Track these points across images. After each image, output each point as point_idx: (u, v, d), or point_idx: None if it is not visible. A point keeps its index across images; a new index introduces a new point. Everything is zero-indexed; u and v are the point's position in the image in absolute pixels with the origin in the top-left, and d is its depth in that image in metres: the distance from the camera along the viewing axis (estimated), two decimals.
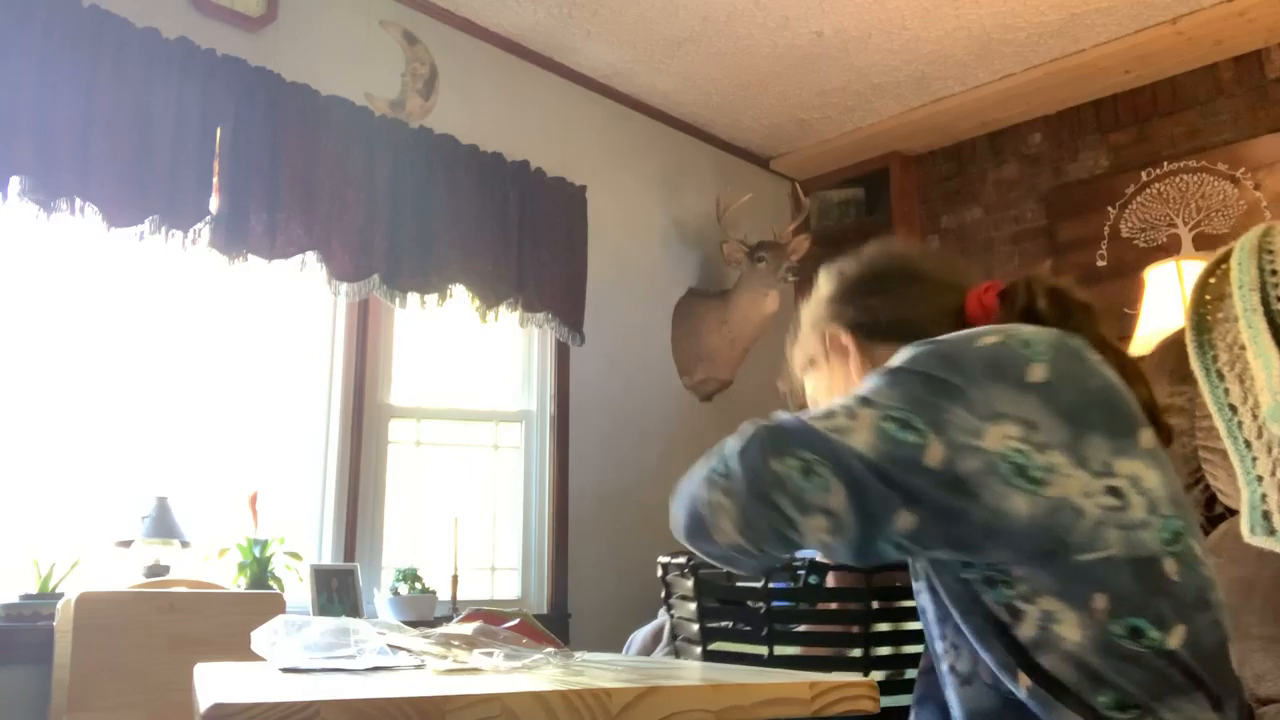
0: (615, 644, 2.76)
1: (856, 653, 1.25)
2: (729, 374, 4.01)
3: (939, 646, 0.90)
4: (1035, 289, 0.99)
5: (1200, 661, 0.79)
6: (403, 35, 3.27)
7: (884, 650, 1.27)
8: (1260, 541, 1.33)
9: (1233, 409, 1.37)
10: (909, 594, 1.22)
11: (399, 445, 3.19)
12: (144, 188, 2.51)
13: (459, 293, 3.17)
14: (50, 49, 2.40)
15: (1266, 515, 1.33)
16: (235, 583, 2.64)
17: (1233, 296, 1.29)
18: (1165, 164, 3.55)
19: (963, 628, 0.84)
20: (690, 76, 3.76)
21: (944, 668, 0.89)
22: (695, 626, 1.37)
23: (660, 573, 1.50)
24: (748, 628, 1.34)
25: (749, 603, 1.33)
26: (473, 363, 3.46)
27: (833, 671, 1.26)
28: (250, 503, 2.71)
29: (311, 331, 3.10)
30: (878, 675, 1.25)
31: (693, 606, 1.37)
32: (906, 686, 1.20)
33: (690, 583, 1.37)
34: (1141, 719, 0.77)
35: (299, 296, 3.02)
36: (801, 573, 1.32)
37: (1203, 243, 3.42)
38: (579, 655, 1.04)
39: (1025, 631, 0.79)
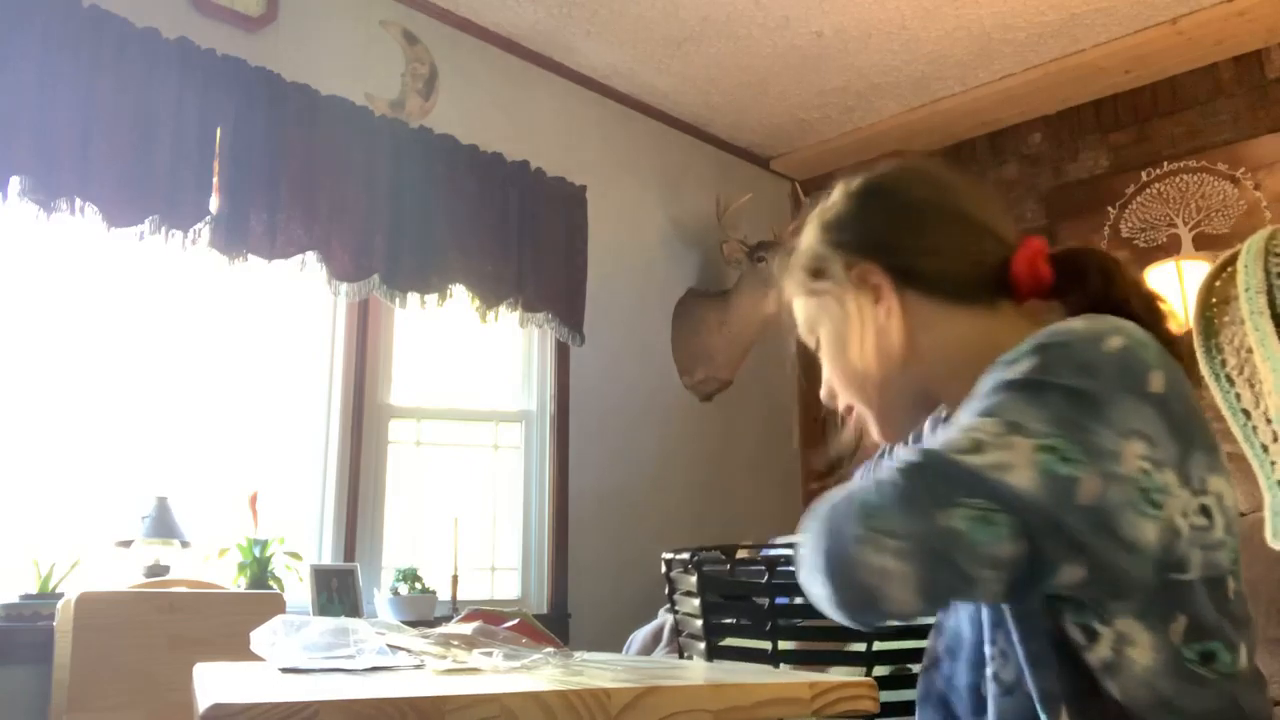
0: (615, 644, 2.76)
1: (859, 647, 1.25)
2: (729, 374, 4.01)
3: (988, 650, 0.84)
4: (1118, 277, 0.89)
5: (1249, 683, 0.78)
6: (403, 35, 3.27)
7: (886, 645, 1.27)
8: None
9: (1246, 414, 1.37)
10: None
11: (399, 445, 3.19)
12: (144, 188, 2.51)
13: (459, 293, 3.17)
14: (50, 49, 2.40)
15: None
16: (235, 583, 2.64)
17: (1239, 299, 1.29)
18: (1165, 164, 3.55)
19: (1019, 646, 0.79)
20: (690, 76, 3.76)
21: (988, 672, 0.84)
22: (699, 622, 1.37)
23: (664, 569, 1.50)
24: (751, 623, 1.34)
25: (753, 598, 1.33)
26: (473, 363, 3.46)
27: (835, 667, 1.26)
28: (250, 503, 2.71)
29: (311, 331, 3.10)
30: (881, 670, 1.25)
31: (696, 603, 1.37)
32: (910, 681, 1.19)
33: (694, 579, 1.37)
34: None
35: (299, 296, 3.02)
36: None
37: (1203, 243, 3.42)
38: (579, 655, 1.04)
39: (1098, 653, 0.75)
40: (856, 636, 1.27)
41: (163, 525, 2.53)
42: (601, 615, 3.34)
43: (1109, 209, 3.66)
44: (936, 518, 0.70)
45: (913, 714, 1.10)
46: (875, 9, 3.32)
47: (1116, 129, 3.72)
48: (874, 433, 0.98)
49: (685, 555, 1.41)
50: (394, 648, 0.91)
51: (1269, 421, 1.35)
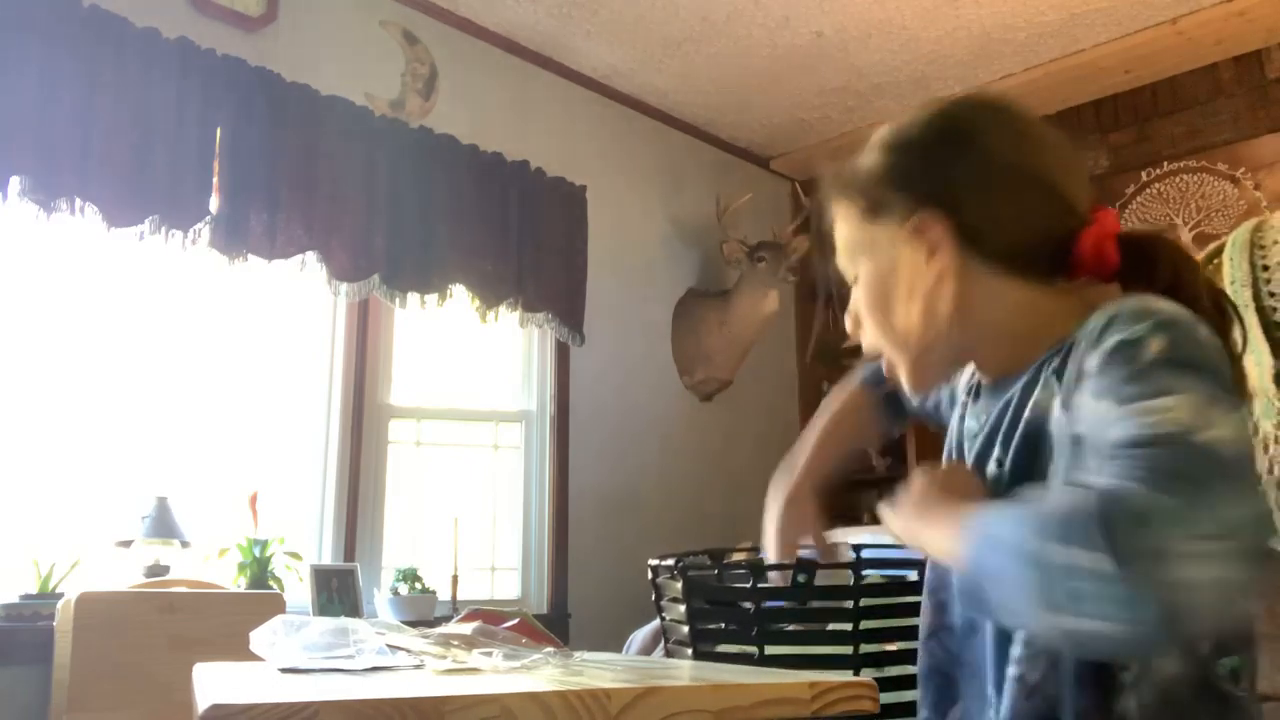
0: (615, 644, 2.76)
1: (846, 650, 1.25)
2: (729, 374, 4.01)
3: (1017, 651, 0.80)
4: (1188, 274, 0.84)
5: (1257, 708, 0.77)
6: (403, 35, 3.27)
7: (873, 648, 1.27)
8: None
9: None
10: (895, 591, 1.21)
11: (399, 445, 3.19)
12: (144, 188, 2.51)
13: (459, 293, 3.17)
14: (50, 49, 2.40)
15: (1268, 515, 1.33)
16: (235, 583, 2.64)
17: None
18: (1165, 164, 3.55)
19: (1062, 660, 0.76)
20: (690, 76, 3.76)
21: (1012, 672, 0.80)
22: (685, 628, 1.37)
23: (650, 575, 1.50)
24: (737, 628, 1.33)
25: (739, 603, 1.33)
26: (473, 363, 3.46)
27: (822, 671, 1.26)
28: (250, 503, 2.71)
29: (311, 331, 3.10)
30: (869, 673, 1.26)
31: (683, 609, 1.37)
32: (895, 684, 1.20)
33: (680, 584, 1.37)
34: None
35: (299, 296, 3.02)
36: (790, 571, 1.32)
37: (1203, 242, 3.42)
38: (578, 655, 1.04)
39: (1131, 668, 0.74)
40: (842, 641, 1.27)
41: (163, 525, 2.53)
42: (601, 615, 3.34)
43: (1109, 209, 3.66)
44: (1246, 502, 0.63)
45: (902, 716, 1.10)
46: (875, 9, 3.32)
47: (1116, 129, 3.72)
48: (902, 380, 0.94)
49: (670, 561, 1.41)
50: (394, 648, 0.91)
51: (1253, 416, 1.35)
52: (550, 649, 1.03)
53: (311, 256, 2.83)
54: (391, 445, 3.17)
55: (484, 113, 3.42)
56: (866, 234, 0.91)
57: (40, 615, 2.29)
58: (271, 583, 2.65)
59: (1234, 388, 0.72)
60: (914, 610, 1.13)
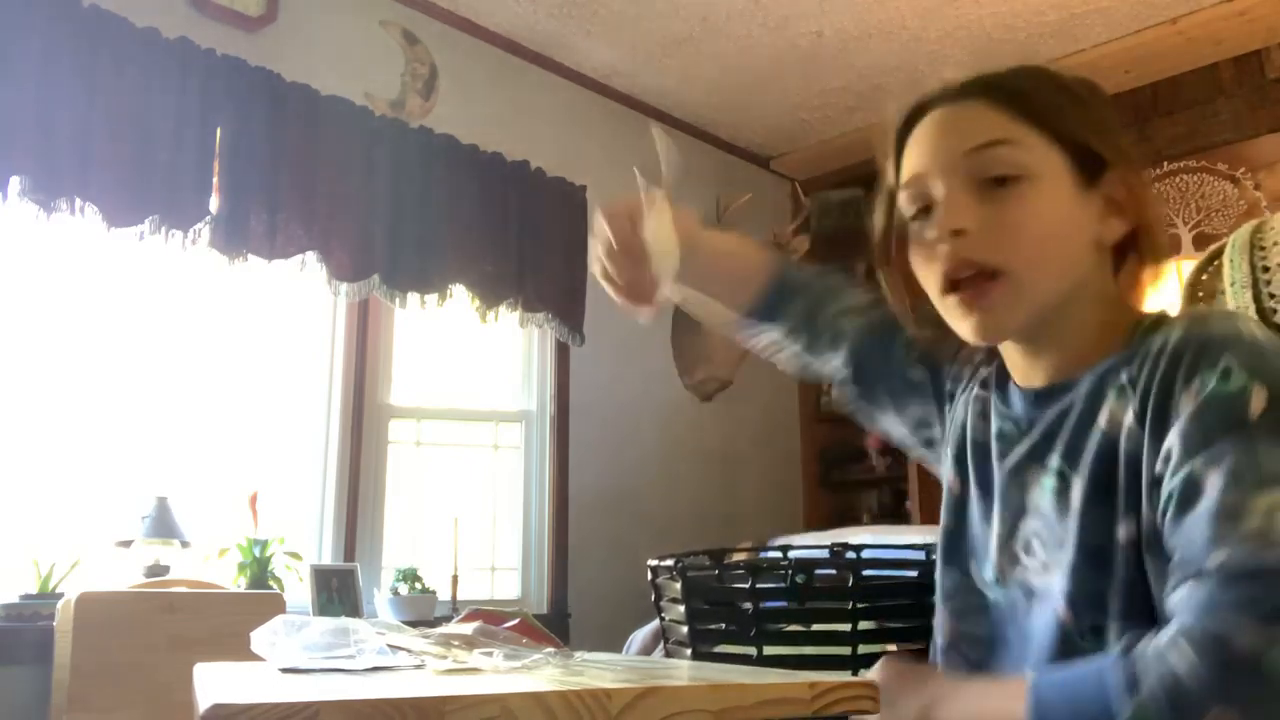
0: (615, 644, 2.76)
1: (844, 651, 1.25)
2: (729, 374, 4.01)
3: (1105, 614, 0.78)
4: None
5: None
6: (403, 35, 3.27)
7: (871, 649, 1.27)
8: None
9: None
10: (893, 592, 1.21)
11: (399, 445, 3.19)
12: (144, 188, 2.51)
13: (459, 293, 3.17)
14: (50, 49, 2.40)
15: None
16: (235, 583, 2.64)
17: (1225, 294, 1.28)
18: (1165, 164, 3.55)
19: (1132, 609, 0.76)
20: (690, 76, 3.76)
21: (1086, 623, 0.79)
22: (685, 629, 1.37)
23: (650, 576, 1.50)
24: (735, 628, 1.33)
25: (738, 603, 1.33)
26: (473, 363, 3.46)
27: (821, 671, 1.26)
28: (250, 503, 2.71)
29: (311, 331, 3.10)
30: (867, 673, 1.25)
31: (682, 609, 1.37)
32: None
33: (679, 584, 1.37)
34: None
35: (299, 296, 3.02)
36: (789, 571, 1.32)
37: (1203, 243, 3.42)
38: (579, 655, 1.04)
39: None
40: (841, 642, 1.27)
41: (163, 525, 2.53)
42: (601, 615, 3.34)
43: None
44: None
45: None
46: (875, 9, 3.32)
47: None
48: (971, 323, 0.86)
49: (670, 561, 1.41)
50: (394, 648, 0.91)
51: None
52: (550, 649, 1.03)
53: (311, 256, 2.83)
54: (391, 445, 3.17)
55: (484, 113, 3.41)
56: (1038, 155, 0.85)
57: (40, 615, 2.29)
58: (271, 583, 2.65)
59: None
60: (913, 611, 1.12)
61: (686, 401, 3.94)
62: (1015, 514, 0.88)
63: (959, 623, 0.93)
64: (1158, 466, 0.76)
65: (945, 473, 1.01)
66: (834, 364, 1.12)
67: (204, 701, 0.51)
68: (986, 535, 0.92)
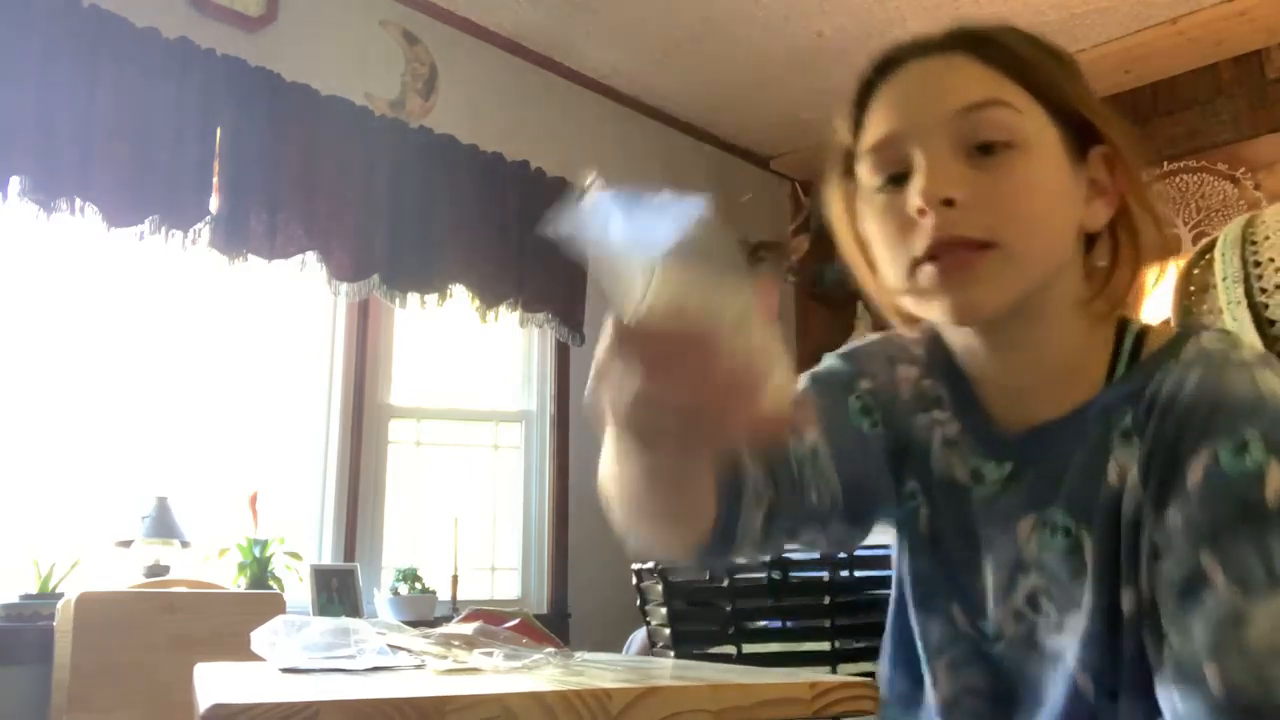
0: (615, 644, 2.76)
1: (824, 648, 1.26)
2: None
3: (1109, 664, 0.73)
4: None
5: None
6: (403, 35, 3.27)
7: (849, 645, 1.28)
8: None
9: None
10: (869, 586, 1.21)
11: (399, 445, 3.19)
12: (144, 188, 2.51)
13: (459, 293, 3.17)
14: (50, 49, 2.40)
15: None
16: (235, 583, 2.64)
17: (1217, 288, 1.28)
18: (1165, 164, 3.55)
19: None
20: (690, 76, 3.76)
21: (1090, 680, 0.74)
22: (668, 630, 1.38)
23: (635, 580, 1.51)
24: (716, 629, 1.34)
25: (717, 603, 1.33)
26: (473, 363, 3.46)
27: (800, 667, 1.26)
28: (250, 503, 2.71)
29: (311, 331, 3.10)
30: (847, 670, 1.26)
31: (664, 611, 1.37)
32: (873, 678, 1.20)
33: (660, 587, 1.38)
34: None
35: (299, 296, 3.02)
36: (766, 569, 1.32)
37: None
38: (579, 655, 1.04)
39: None
40: (818, 638, 1.27)
41: (163, 525, 2.53)
42: (601, 615, 3.34)
43: None
44: None
45: None
46: (875, 9, 3.32)
47: None
48: (951, 299, 0.74)
49: (650, 565, 1.41)
50: (394, 648, 0.91)
51: None
52: (550, 649, 1.03)
53: (311, 256, 2.83)
54: (391, 445, 3.16)
55: (484, 113, 3.41)
56: (1033, 121, 0.75)
57: (40, 615, 2.29)
58: (271, 583, 2.65)
59: None
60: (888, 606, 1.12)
61: None
62: (1012, 567, 0.80)
63: (958, 676, 0.84)
64: (1157, 536, 0.69)
65: (903, 510, 0.89)
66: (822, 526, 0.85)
67: (204, 701, 0.51)
68: (975, 583, 0.83)
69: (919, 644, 0.87)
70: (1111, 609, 0.73)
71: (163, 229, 2.55)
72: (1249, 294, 1.21)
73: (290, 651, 0.82)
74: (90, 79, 2.46)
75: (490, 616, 1.22)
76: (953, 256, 0.73)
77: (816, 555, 1.31)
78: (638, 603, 1.52)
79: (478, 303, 3.20)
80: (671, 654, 1.37)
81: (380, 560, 3.05)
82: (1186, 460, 0.68)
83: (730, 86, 3.83)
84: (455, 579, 3.02)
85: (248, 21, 2.87)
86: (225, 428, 2.86)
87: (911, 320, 0.86)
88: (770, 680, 0.65)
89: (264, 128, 2.76)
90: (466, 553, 3.16)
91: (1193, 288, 1.34)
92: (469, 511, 3.26)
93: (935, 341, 0.88)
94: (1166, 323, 0.83)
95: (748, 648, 1.28)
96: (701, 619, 1.37)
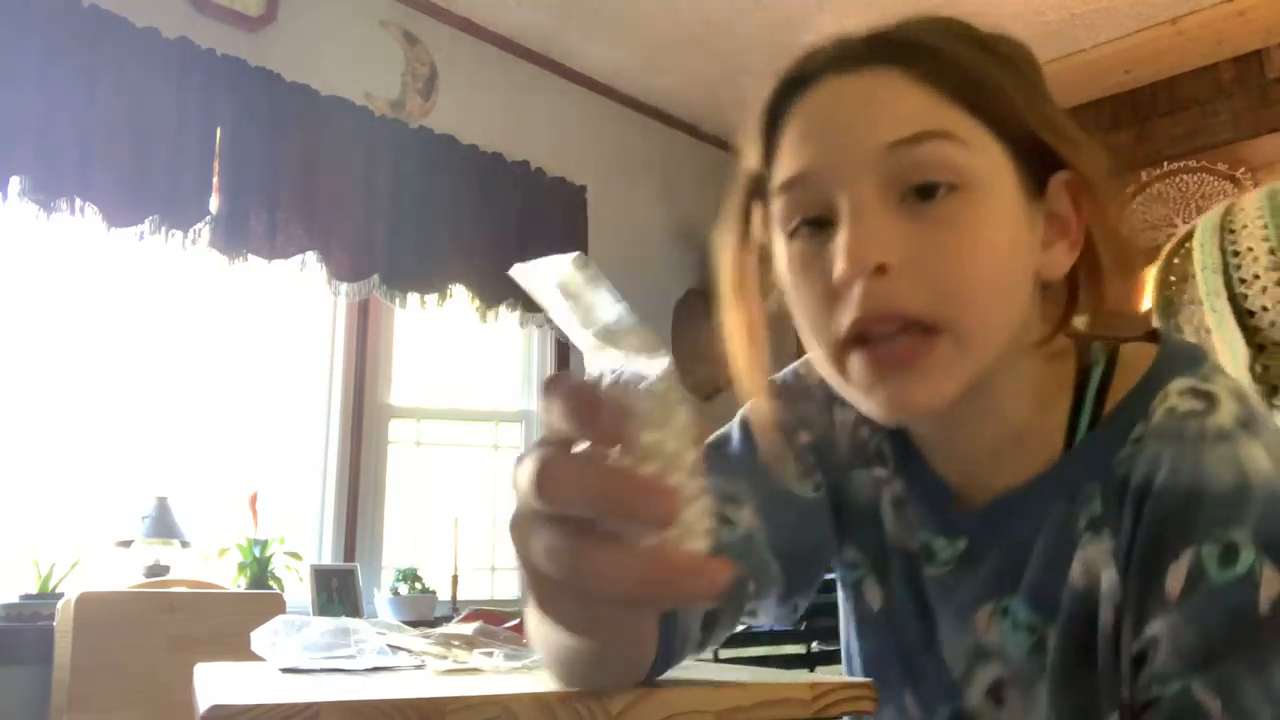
0: None
1: (799, 650, 1.26)
2: (729, 374, 4.01)
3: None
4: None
5: None
6: (403, 35, 3.27)
7: (826, 647, 1.28)
8: None
9: None
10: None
11: (399, 445, 3.19)
12: (144, 188, 2.51)
13: (459, 293, 3.18)
14: (50, 49, 2.40)
15: None
16: (235, 583, 2.64)
17: (1196, 278, 1.27)
18: (1165, 164, 3.55)
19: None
20: (690, 76, 3.76)
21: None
22: None
23: None
24: None
25: None
26: (473, 363, 3.46)
27: (777, 669, 1.27)
28: (250, 503, 2.71)
29: (311, 331, 3.10)
30: (823, 670, 1.26)
31: None
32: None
33: None
34: None
35: (299, 296, 3.02)
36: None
37: None
38: None
39: None
40: (794, 639, 1.27)
41: (163, 525, 2.53)
42: None
43: None
44: None
45: None
46: (876, 9, 3.31)
47: (1116, 129, 3.72)
48: (884, 395, 0.62)
49: None
50: (394, 648, 0.91)
51: None
52: None
53: (311, 256, 2.83)
54: (391, 445, 3.17)
55: (484, 113, 3.41)
56: (980, 154, 0.63)
57: (40, 615, 2.29)
58: (271, 583, 2.65)
59: None
60: None
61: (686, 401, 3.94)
62: (970, 654, 0.70)
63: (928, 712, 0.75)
64: (1135, 647, 0.60)
65: (848, 576, 0.80)
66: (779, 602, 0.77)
67: (204, 702, 0.51)
68: (933, 669, 0.73)
69: None
70: (1082, 712, 0.64)
71: (163, 229, 2.55)
72: (1228, 285, 1.21)
73: (290, 652, 0.82)
74: (90, 79, 2.46)
75: (490, 616, 1.22)
76: (888, 346, 0.61)
77: None
78: None
79: (478, 303, 3.20)
80: None
81: (380, 560, 3.05)
82: (1166, 564, 0.58)
83: (730, 86, 3.84)
84: (455, 579, 3.02)
85: (248, 21, 2.87)
86: (225, 428, 2.87)
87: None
88: (770, 680, 0.65)
89: (264, 128, 2.76)
90: (466, 553, 3.16)
91: (1173, 277, 1.34)
92: (469, 511, 3.26)
93: None
94: (1142, 332, 0.72)
95: (724, 652, 1.28)
96: None
